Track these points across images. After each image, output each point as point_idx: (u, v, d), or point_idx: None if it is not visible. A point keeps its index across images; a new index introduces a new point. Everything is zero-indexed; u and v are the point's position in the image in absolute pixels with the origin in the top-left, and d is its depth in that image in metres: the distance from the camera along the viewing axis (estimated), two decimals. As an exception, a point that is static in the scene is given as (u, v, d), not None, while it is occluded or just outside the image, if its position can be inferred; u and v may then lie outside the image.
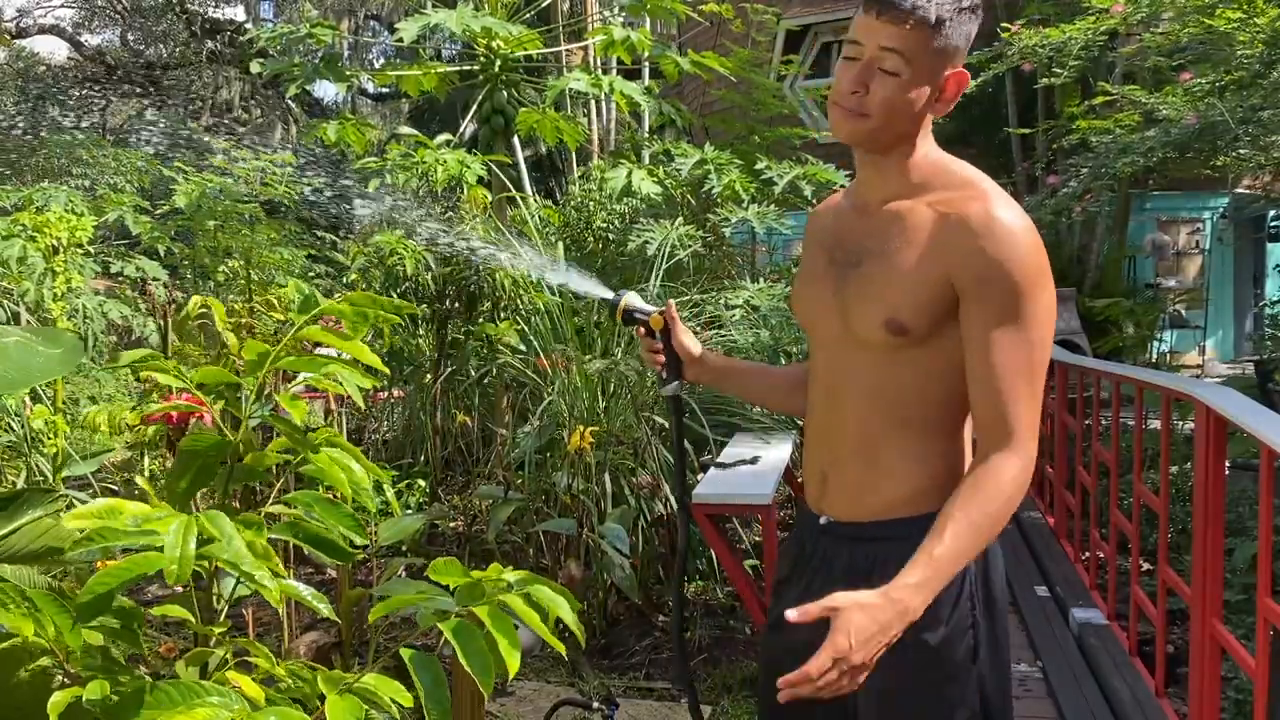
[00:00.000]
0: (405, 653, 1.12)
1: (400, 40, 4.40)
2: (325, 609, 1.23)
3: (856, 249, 1.41)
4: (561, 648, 1.21)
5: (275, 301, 3.92)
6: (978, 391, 1.31)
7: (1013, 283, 1.27)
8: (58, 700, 1.04)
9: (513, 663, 1.11)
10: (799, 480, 2.94)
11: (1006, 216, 1.29)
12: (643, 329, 1.64)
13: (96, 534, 1.06)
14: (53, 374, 1.30)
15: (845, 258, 1.42)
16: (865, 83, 1.31)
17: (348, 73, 4.86)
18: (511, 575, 1.28)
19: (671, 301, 1.67)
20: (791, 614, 1.18)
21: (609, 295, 1.67)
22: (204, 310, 2.19)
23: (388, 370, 1.36)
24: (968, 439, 1.41)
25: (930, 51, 1.30)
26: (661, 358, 1.63)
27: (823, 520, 1.47)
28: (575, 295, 4.38)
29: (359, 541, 1.28)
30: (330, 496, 1.33)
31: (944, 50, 1.31)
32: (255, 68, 4.93)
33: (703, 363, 1.64)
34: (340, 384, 1.30)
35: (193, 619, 1.29)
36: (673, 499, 3.90)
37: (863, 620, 1.15)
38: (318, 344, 1.39)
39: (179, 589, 1.30)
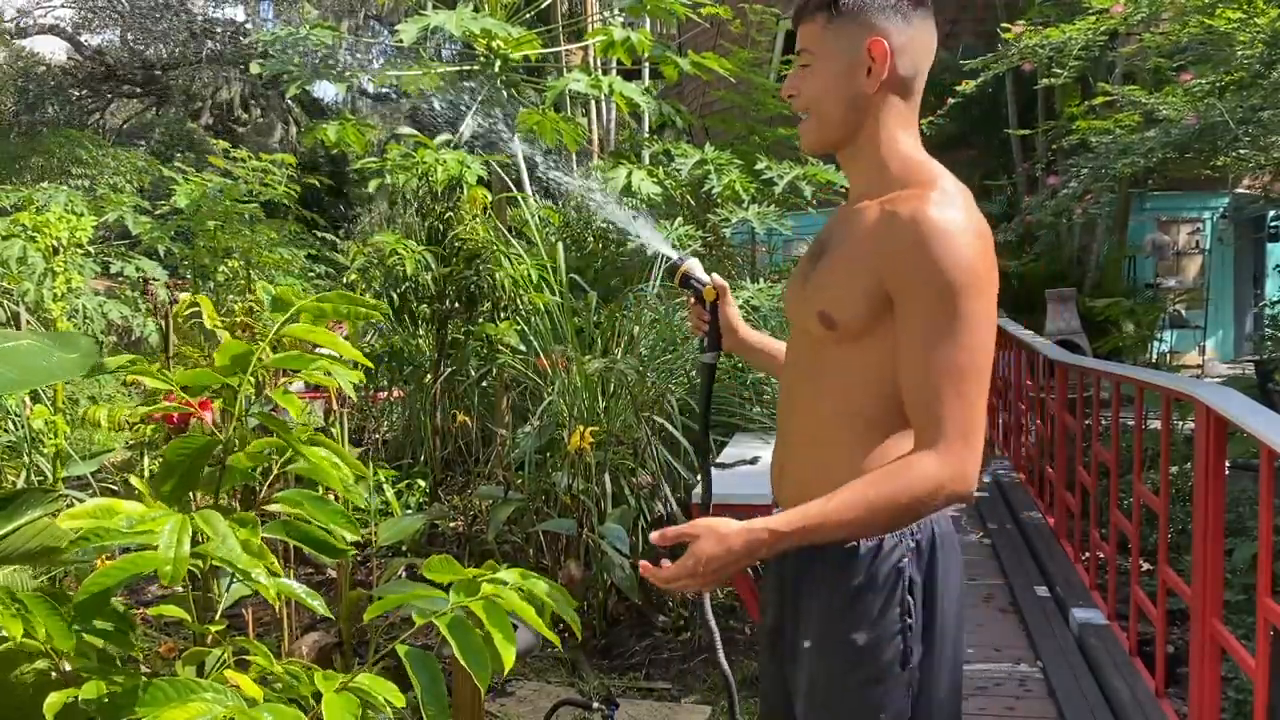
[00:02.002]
0: (401, 649, 1.12)
1: (400, 41, 4.40)
2: (320, 607, 1.23)
3: (825, 244, 1.45)
4: (556, 640, 1.21)
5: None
6: (907, 391, 1.30)
7: (942, 284, 1.25)
8: (53, 701, 1.04)
9: (508, 656, 1.11)
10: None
11: (941, 216, 1.26)
12: (694, 297, 1.69)
13: (92, 534, 1.06)
14: (66, 375, 1.30)
15: (818, 252, 1.46)
16: (795, 86, 1.39)
17: (348, 73, 4.86)
18: (506, 574, 1.28)
19: (723, 281, 1.71)
20: (653, 536, 1.30)
21: (673, 255, 1.73)
22: (196, 309, 2.19)
23: (372, 365, 1.37)
24: (909, 436, 1.39)
25: (830, 33, 1.35)
26: (705, 326, 1.69)
27: (775, 509, 1.49)
28: (553, 290, 4.41)
29: (351, 538, 1.28)
30: (320, 494, 1.34)
31: (848, 27, 1.34)
32: (255, 68, 4.93)
33: (740, 336, 1.71)
34: (333, 378, 1.30)
35: (189, 618, 1.29)
36: (672, 499, 3.91)
37: (713, 549, 1.27)
38: (316, 345, 1.39)
39: (179, 589, 1.31)
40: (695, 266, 1.70)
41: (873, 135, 1.37)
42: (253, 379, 1.32)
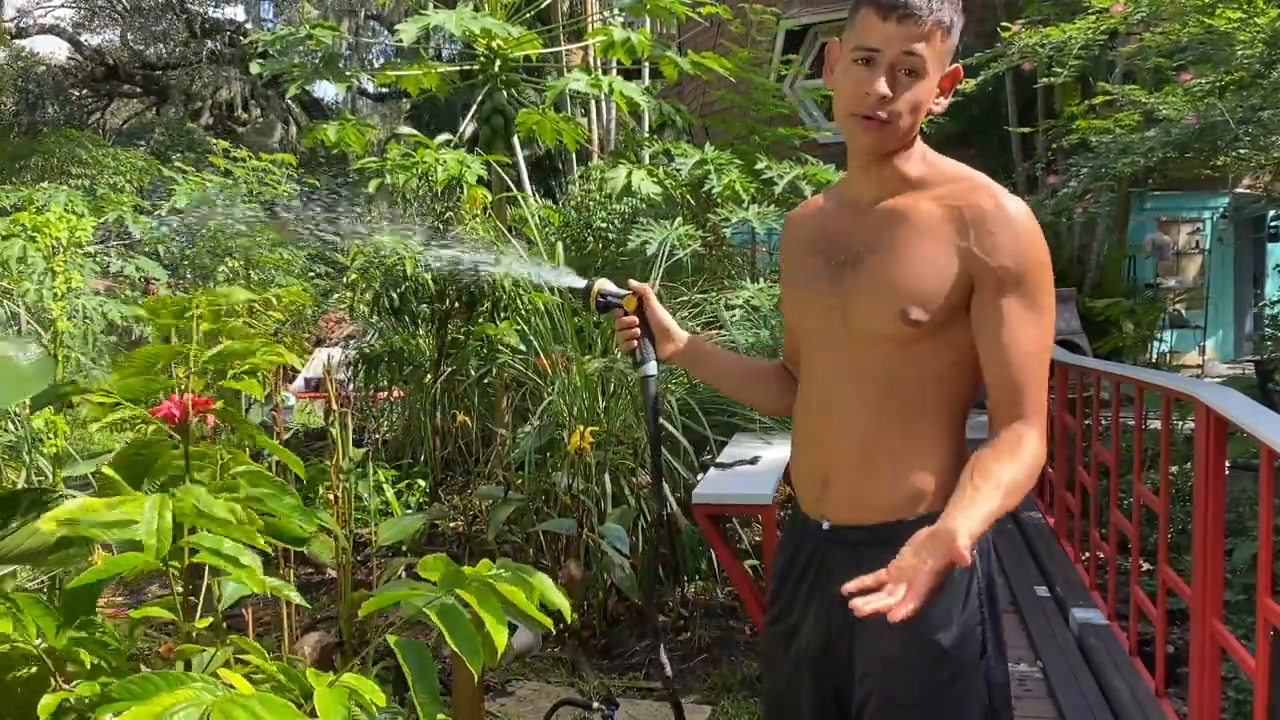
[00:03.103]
0: (392, 639, 1.12)
1: (400, 41, 4.40)
2: (297, 597, 1.24)
3: (856, 247, 1.42)
4: (548, 622, 1.20)
5: (274, 301, 3.92)
6: (996, 372, 1.34)
7: (1026, 269, 1.34)
8: (47, 703, 1.05)
9: (500, 640, 1.11)
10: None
11: (1015, 207, 1.35)
12: (620, 312, 1.62)
13: (69, 522, 1.07)
14: (29, 392, 1.32)
15: (845, 257, 1.42)
16: (893, 89, 1.34)
17: (348, 73, 4.85)
18: (499, 566, 1.29)
19: (642, 285, 1.65)
20: (850, 586, 1.16)
21: (579, 284, 1.65)
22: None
23: (300, 361, 1.41)
24: (963, 436, 1.43)
25: (944, 52, 1.36)
26: (635, 342, 1.63)
27: (825, 525, 1.45)
28: (552, 290, 4.39)
29: (309, 528, 1.30)
30: (276, 491, 1.35)
31: (950, 50, 1.37)
32: (255, 68, 4.93)
33: (676, 340, 1.64)
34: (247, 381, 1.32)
35: (177, 618, 1.29)
36: (672, 499, 3.91)
37: (912, 562, 1.16)
38: (319, 342, 1.40)
39: (178, 589, 1.31)
40: (606, 284, 1.63)
41: (915, 140, 1.42)
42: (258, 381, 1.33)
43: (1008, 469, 1.26)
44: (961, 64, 1.42)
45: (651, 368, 1.62)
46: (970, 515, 1.19)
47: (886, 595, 1.14)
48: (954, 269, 1.34)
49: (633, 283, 1.64)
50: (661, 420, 3.99)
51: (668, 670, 1.75)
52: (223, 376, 1.36)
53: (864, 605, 1.13)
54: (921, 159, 1.42)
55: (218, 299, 1.39)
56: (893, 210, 1.39)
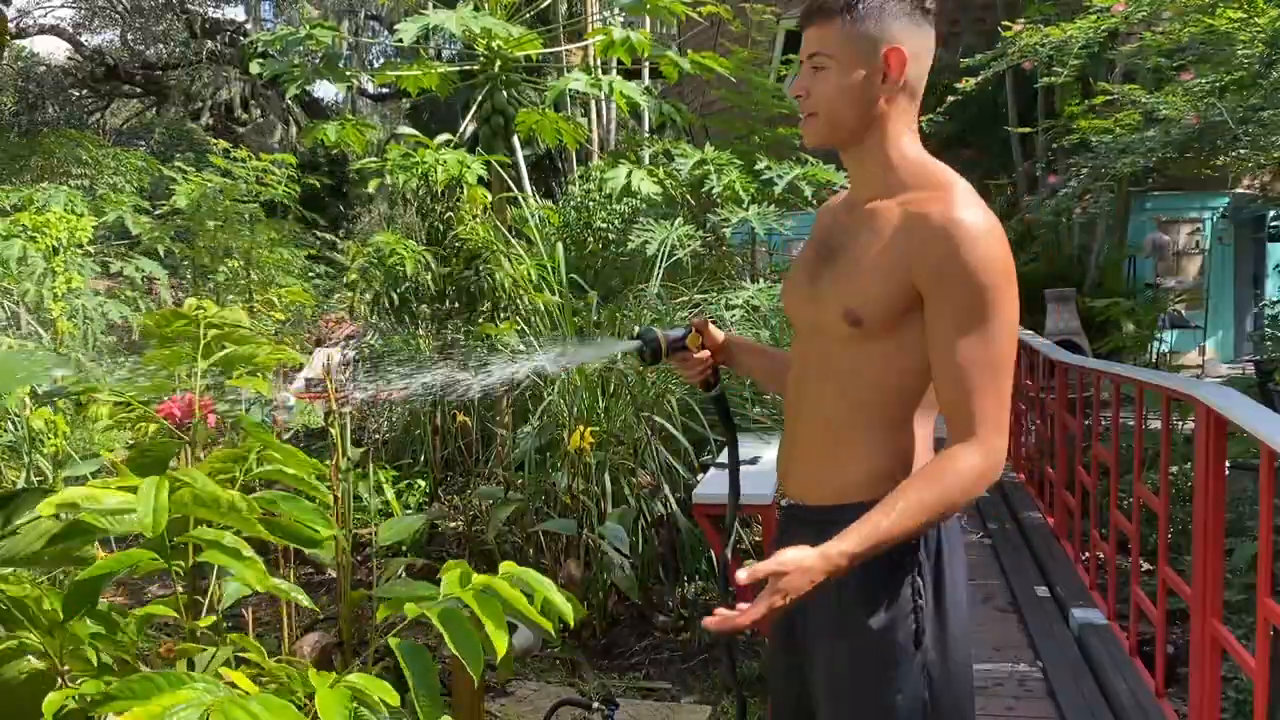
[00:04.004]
0: (393, 642, 1.12)
1: (400, 41, 4.40)
2: (304, 599, 1.24)
3: (835, 244, 1.47)
4: (549, 625, 1.20)
5: (275, 301, 3.92)
6: (942, 386, 1.35)
7: (974, 282, 1.31)
8: (52, 700, 1.04)
9: (500, 644, 1.11)
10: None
11: (968, 217, 1.32)
12: (689, 353, 1.64)
13: (69, 506, 1.08)
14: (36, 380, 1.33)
15: (826, 252, 1.48)
16: (805, 86, 1.41)
17: (348, 73, 4.85)
18: (502, 569, 1.28)
19: (699, 319, 1.68)
20: (742, 575, 1.30)
21: (633, 345, 1.63)
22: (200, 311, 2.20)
23: (300, 360, 1.42)
24: (923, 433, 1.45)
25: (851, 37, 1.37)
26: (701, 370, 1.67)
27: (784, 502, 1.56)
28: (553, 290, 4.42)
29: (325, 532, 1.30)
30: (290, 495, 1.35)
31: (866, 33, 1.36)
32: (255, 68, 4.93)
33: (731, 352, 1.72)
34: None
35: (178, 615, 1.29)
36: (672, 499, 3.91)
37: (799, 582, 1.28)
38: (319, 342, 1.40)
39: (180, 589, 1.31)
40: (661, 334, 1.62)
41: (882, 137, 1.41)
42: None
43: (916, 493, 1.30)
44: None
45: (718, 390, 1.71)
46: (855, 536, 1.29)
47: (746, 607, 1.30)
48: (897, 276, 1.35)
49: (693, 321, 1.67)
50: (661, 420, 4.00)
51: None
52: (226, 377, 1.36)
53: (715, 621, 1.32)
54: (897, 162, 1.41)
55: (218, 317, 1.39)
56: (869, 212, 1.42)
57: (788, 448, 1.55)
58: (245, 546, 1.14)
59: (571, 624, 1.32)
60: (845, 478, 1.42)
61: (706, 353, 1.66)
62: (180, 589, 1.29)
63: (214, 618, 1.36)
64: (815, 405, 1.48)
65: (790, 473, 1.54)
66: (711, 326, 1.67)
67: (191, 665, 1.29)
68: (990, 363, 1.32)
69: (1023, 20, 6.01)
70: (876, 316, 1.37)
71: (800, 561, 1.29)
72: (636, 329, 1.68)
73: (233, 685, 1.05)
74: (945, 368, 1.34)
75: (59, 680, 1.19)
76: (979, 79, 5.99)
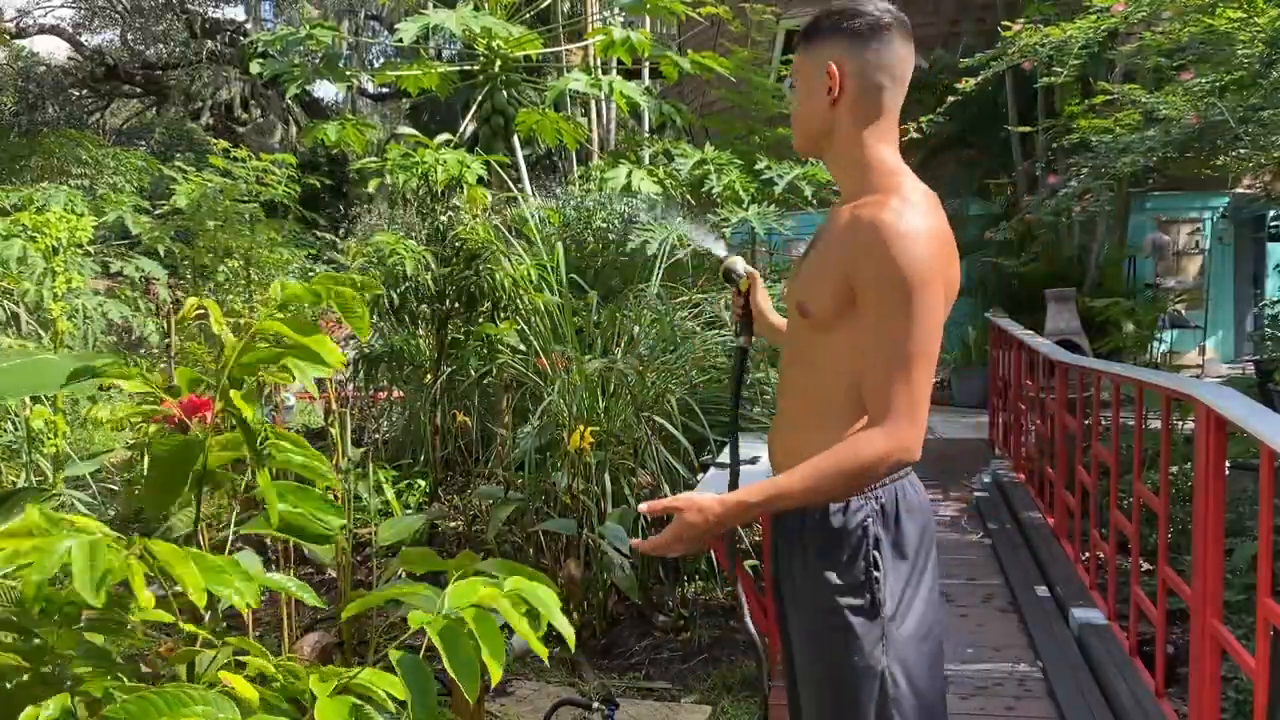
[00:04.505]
0: (394, 655, 1.12)
1: (400, 40, 4.40)
2: (310, 598, 1.24)
3: (814, 242, 1.63)
4: (544, 653, 1.20)
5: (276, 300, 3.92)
6: (865, 376, 1.48)
7: (894, 282, 1.43)
8: (51, 704, 1.04)
9: (495, 671, 1.11)
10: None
11: (895, 221, 1.44)
12: (735, 290, 1.91)
13: (17, 557, 1.01)
14: (50, 389, 1.31)
15: (808, 250, 1.65)
16: (789, 100, 1.67)
17: (348, 73, 4.85)
18: (490, 564, 1.28)
19: (754, 272, 1.90)
20: (642, 507, 1.55)
21: (721, 253, 1.95)
22: (202, 310, 2.20)
23: (343, 359, 1.37)
24: None
25: (803, 60, 1.57)
26: (741, 313, 1.90)
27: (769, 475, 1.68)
28: (553, 290, 4.45)
29: (336, 524, 1.30)
30: (299, 484, 1.35)
31: (814, 55, 1.56)
32: (255, 68, 4.92)
33: (770, 320, 1.90)
34: (293, 375, 1.30)
35: (177, 620, 1.28)
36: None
37: (695, 519, 1.49)
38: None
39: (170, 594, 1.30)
40: (737, 263, 1.91)
41: (841, 144, 1.57)
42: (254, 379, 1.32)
43: (817, 461, 1.46)
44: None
45: (744, 340, 1.91)
46: (757, 490, 1.49)
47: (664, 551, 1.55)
48: (838, 273, 1.49)
49: (748, 268, 1.89)
50: (661, 420, 4.00)
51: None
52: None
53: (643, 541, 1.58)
54: (859, 168, 1.55)
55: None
56: (834, 214, 1.58)
57: (776, 426, 1.72)
58: (228, 586, 1.10)
59: (573, 649, 1.33)
60: (803, 458, 1.51)
61: (741, 299, 1.88)
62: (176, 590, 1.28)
63: (214, 623, 1.36)
64: (791, 389, 1.66)
65: (774, 448, 1.70)
66: (761, 292, 1.89)
67: (191, 669, 1.29)
68: (906, 356, 1.44)
69: (1022, 20, 6.01)
70: (819, 310, 1.53)
71: (697, 501, 1.49)
72: (729, 252, 1.95)
73: (234, 700, 1.04)
74: (866, 359, 1.47)
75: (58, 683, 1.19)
76: (979, 79, 5.99)
